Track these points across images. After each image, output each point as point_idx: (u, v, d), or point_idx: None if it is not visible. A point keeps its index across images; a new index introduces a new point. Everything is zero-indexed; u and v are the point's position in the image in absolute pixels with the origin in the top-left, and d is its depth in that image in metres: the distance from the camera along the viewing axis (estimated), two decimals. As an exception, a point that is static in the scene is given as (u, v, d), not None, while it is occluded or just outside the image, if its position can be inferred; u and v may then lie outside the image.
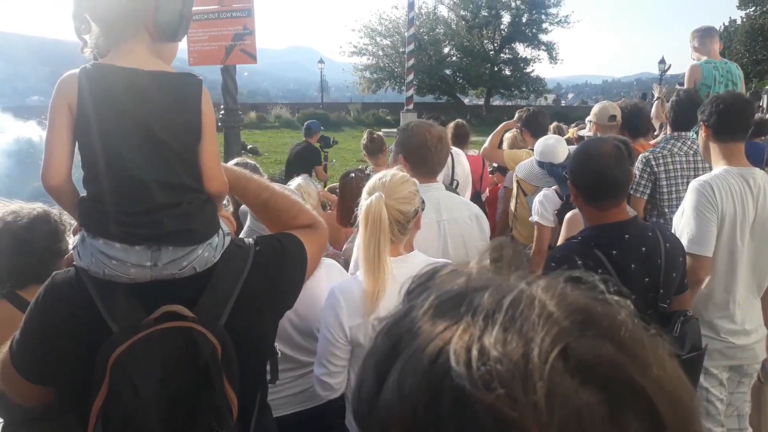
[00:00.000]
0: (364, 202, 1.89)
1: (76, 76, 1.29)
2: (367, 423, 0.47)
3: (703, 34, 4.70)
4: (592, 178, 2.10)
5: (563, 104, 52.55)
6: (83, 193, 1.35)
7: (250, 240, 1.50)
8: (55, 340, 1.30)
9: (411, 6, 28.82)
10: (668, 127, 3.72)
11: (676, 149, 3.45)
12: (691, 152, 3.46)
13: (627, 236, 2.10)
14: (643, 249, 2.10)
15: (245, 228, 2.33)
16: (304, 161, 7.43)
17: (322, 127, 7.56)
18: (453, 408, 0.39)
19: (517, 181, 4.62)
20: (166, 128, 1.31)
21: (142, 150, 1.29)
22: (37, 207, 2.03)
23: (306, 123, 7.70)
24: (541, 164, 3.62)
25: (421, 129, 2.63)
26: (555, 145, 3.54)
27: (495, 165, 5.71)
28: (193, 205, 1.34)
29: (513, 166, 4.58)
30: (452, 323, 0.43)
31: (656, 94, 5.09)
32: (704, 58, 4.64)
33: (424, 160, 2.56)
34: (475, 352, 0.40)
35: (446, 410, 0.40)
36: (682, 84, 4.87)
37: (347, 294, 1.90)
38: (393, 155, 2.78)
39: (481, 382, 0.39)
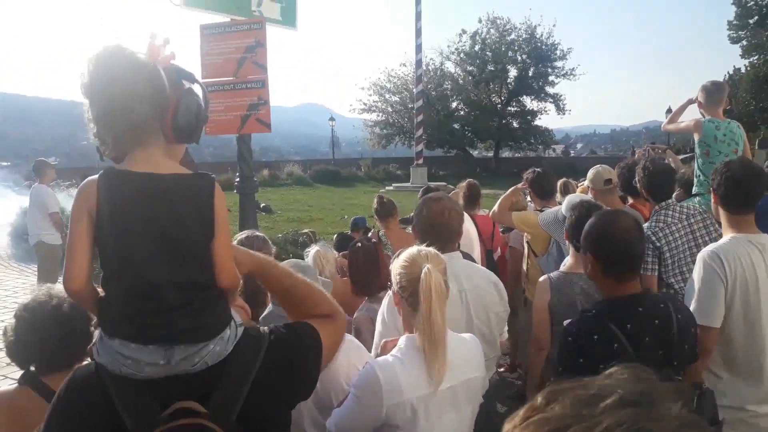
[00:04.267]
0: (420, 275, 1.91)
1: (95, 182, 1.36)
2: None
3: (710, 93, 4.66)
4: (616, 251, 2.14)
5: (572, 154, 52.96)
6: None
7: (265, 329, 1.53)
8: None
9: (419, 63, 29.71)
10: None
11: (669, 219, 3.44)
12: (683, 217, 3.45)
13: (640, 309, 2.12)
14: (657, 321, 2.12)
15: (267, 310, 2.36)
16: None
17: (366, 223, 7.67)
18: None
19: (527, 242, 4.66)
20: (180, 229, 1.36)
21: (156, 252, 1.34)
22: None
23: (354, 219, 7.83)
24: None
25: (430, 206, 2.69)
26: None
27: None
28: (205, 302, 1.38)
29: (523, 227, 4.64)
30: None
31: (638, 155, 5.20)
32: (708, 116, 4.67)
33: (436, 235, 2.60)
34: None
35: None
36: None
37: (387, 372, 1.88)
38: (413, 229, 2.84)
39: None
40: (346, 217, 14.86)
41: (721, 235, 3.15)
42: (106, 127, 1.38)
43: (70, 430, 1.34)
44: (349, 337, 2.45)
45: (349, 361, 2.27)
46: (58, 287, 2.08)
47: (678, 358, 2.14)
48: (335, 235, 7.91)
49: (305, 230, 11.44)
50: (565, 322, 2.26)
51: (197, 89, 1.48)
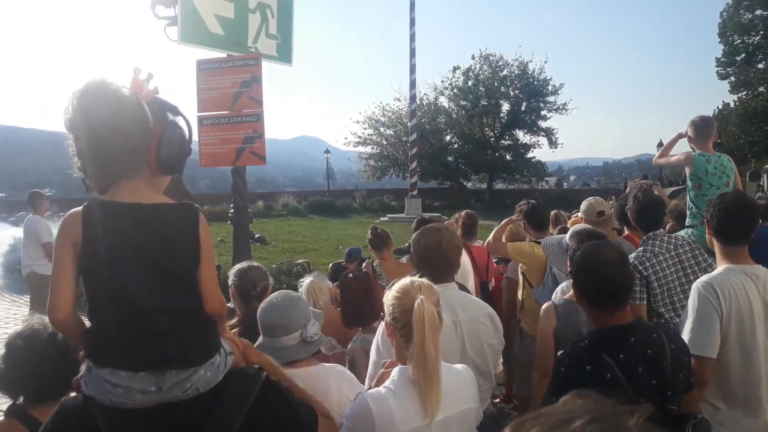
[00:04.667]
0: (413, 306, 1.90)
1: (80, 214, 1.37)
2: None
3: (699, 128, 4.71)
4: (595, 284, 2.16)
5: (565, 186, 53.27)
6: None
7: (263, 372, 1.53)
8: None
9: (413, 98, 30.01)
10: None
11: (657, 249, 3.44)
12: (672, 247, 3.45)
13: (633, 339, 2.12)
14: (649, 351, 2.12)
15: (258, 341, 2.34)
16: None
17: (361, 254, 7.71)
18: None
19: (523, 273, 4.67)
20: (167, 257, 1.38)
21: (144, 280, 1.35)
22: None
23: (348, 250, 7.85)
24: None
25: (428, 236, 2.70)
26: None
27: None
28: (193, 327, 1.40)
29: (518, 258, 4.65)
30: None
31: (629, 187, 5.30)
32: (698, 150, 4.72)
33: (433, 265, 2.61)
34: None
35: None
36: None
37: (380, 404, 1.86)
38: (410, 258, 2.85)
39: None
40: (340, 247, 14.83)
41: (710, 265, 3.17)
42: (90, 160, 1.41)
43: None
44: (341, 368, 2.42)
45: (341, 392, 2.25)
46: None
47: (672, 387, 2.13)
48: (330, 265, 7.88)
49: (300, 260, 11.39)
50: (559, 353, 2.26)
51: (181, 122, 1.52)
